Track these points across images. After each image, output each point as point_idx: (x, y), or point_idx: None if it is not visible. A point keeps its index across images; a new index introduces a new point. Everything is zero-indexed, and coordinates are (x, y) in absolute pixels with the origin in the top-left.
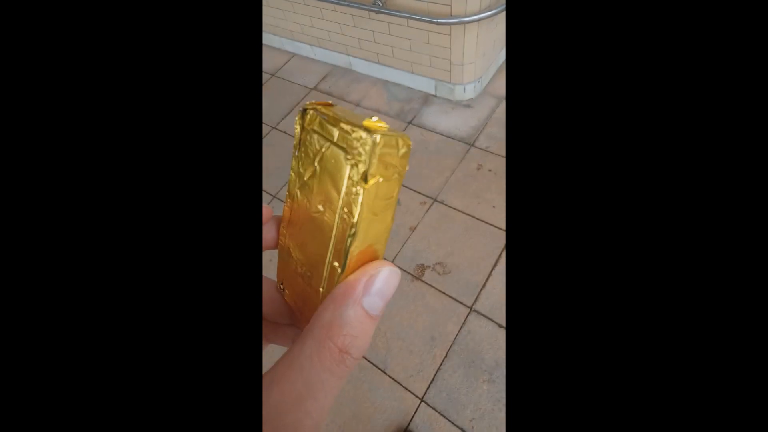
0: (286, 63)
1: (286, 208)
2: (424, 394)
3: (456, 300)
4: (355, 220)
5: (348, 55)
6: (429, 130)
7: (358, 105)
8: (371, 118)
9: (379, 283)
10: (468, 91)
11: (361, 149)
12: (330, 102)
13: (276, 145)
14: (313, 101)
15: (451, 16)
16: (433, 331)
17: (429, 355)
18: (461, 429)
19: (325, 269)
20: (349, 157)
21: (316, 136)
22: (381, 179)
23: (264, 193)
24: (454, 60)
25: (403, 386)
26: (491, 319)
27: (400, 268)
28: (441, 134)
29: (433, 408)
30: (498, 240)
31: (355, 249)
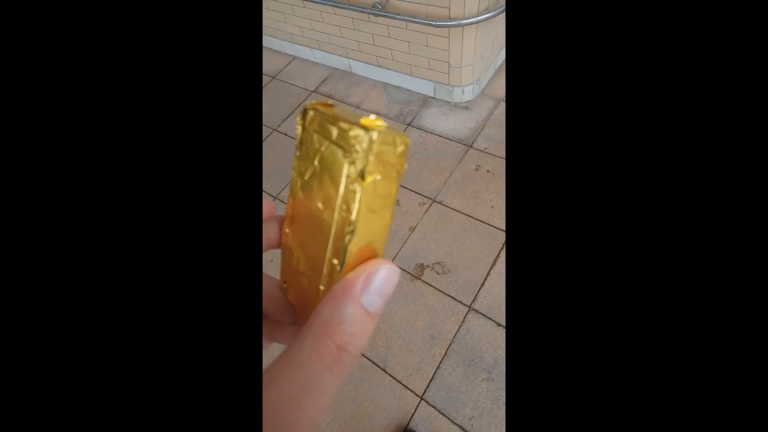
0: (286, 66)
1: (288, 207)
2: (424, 392)
3: (455, 299)
4: (353, 217)
5: (348, 57)
6: (428, 131)
7: (358, 107)
8: (369, 116)
9: (378, 281)
10: (466, 93)
11: (358, 147)
12: (330, 103)
13: (276, 147)
14: (314, 102)
15: (450, 19)
16: (433, 329)
17: (428, 354)
18: (461, 427)
19: (325, 267)
20: (346, 155)
21: (316, 136)
22: (379, 177)
23: (265, 194)
24: (452, 62)
25: (403, 384)
26: (490, 318)
27: (399, 267)
28: (440, 136)
29: (432, 406)
30: (496, 240)
31: (354, 246)
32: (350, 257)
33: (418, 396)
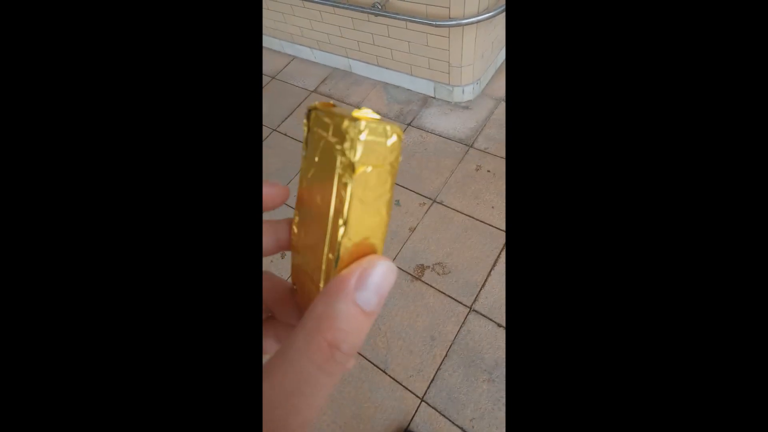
0: (286, 66)
1: (296, 208)
2: (425, 393)
3: (455, 300)
4: (345, 208)
5: (348, 57)
6: (428, 131)
7: (358, 107)
8: (363, 109)
9: (373, 278)
10: (466, 93)
11: (347, 137)
12: (332, 103)
13: (276, 147)
14: (318, 102)
15: (450, 19)
16: (433, 330)
17: (429, 355)
18: (461, 428)
19: (323, 263)
20: (338, 147)
21: (316, 134)
22: (370, 168)
23: None
24: (452, 62)
25: (403, 386)
26: (491, 319)
27: (399, 268)
28: (440, 136)
29: (433, 408)
30: (497, 240)
31: (348, 241)
32: (346, 253)
33: (419, 397)
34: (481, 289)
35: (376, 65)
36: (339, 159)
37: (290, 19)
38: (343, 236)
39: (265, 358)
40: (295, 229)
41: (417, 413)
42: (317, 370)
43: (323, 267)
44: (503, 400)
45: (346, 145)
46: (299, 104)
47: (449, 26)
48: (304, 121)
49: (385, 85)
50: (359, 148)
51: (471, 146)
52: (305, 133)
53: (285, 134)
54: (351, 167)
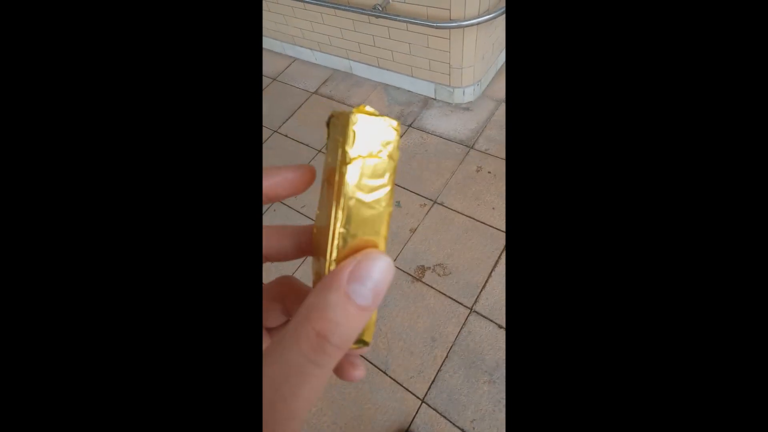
0: (287, 67)
1: (317, 209)
2: (425, 395)
3: (456, 301)
4: (341, 200)
5: (348, 59)
6: (429, 132)
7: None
8: (364, 106)
9: (367, 271)
10: (467, 94)
11: (346, 130)
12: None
13: (277, 148)
14: (336, 110)
15: (450, 20)
16: (434, 332)
17: (430, 356)
18: (462, 430)
19: (327, 258)
20: (340, 140)
21: (332, 137)
22: (366, 158)
23: None
24: (453, 63)
25: (404, 387)
26: (491, 320)
27: (400, 269)
28: (441, 137)
29: (434, 409)
30: (497, 241)
31: (346, 233)
32: (341, 246)
33: (420, 399)
34: (481, 290)
35: (376, 67)
36: (339, 151)
37: (291, 20)
38: (338, 227)
39: None
40: (314, 230)
41: (418, 414)
42: (304, 360)
43: (326, 263)
44: (504, 402)
45: (344, 137)
46: (300, 106)
47: (450, 28)
48: (325, 129)
49: (386, 87)
50: (352, 137)
51: (471, 147)
52: (326, 140)
53: (286, 136)
54: (346, 156)
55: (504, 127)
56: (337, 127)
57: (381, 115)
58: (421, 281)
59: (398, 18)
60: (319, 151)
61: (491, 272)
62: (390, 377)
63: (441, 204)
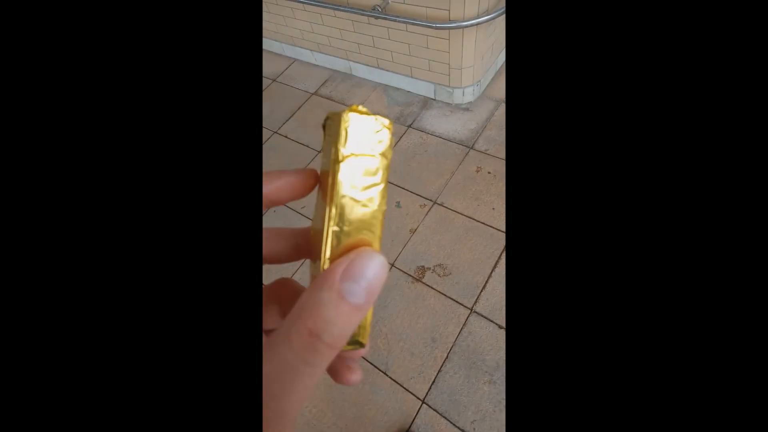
0: (287, 68)
1: (314, 213)
2: (426, 395)
3: (456, 301)
4: (334, 198)
5: (348, 60)
6: (428, 133)
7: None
8: (358, 106)
9: (360, 269)
10: (467, 95)
11: (338, 129)
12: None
13: (277, 149)
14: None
15: (450, 21)
16: (434, 332)
17: (430, 357)
18: (462, 430)
19: (321, 258)
20: (333, 139)
21: (326, 138)
22: (358, 156)
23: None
24: (452, 64)
25: (404, 388)
26: (492, 321)
27: (400, 270)
28: (440, 137)
29: (434, 409)
30: (497, 242)
31: (339, 231)
32: (337, 245)
33: (420, 399)
34: (481, 291)
35: (376, 67)
36: (333, 150)
37: (291, 21)
38: (331, 225)
39: None
40: (311, 232)
41: (418, 415)
42: (296, 359)
43: (321, 264)
44: (505, 402)
45: (338, 135)
46: (300, 106)
47: (449, 28)
48: (322, 132)
49: (386, 88)
50: (344, 136)
51: (471, 148)
52: (323, 142)
53: (286, 136)
54: (339, 154)
55: (504, 127)
56: (332, 128)
57: (374, 114)
58: (421, 282)
59: (398, 19)
60: (319, 152)
61: (491, 272)
62: (390, 378)
63: (441, 204)
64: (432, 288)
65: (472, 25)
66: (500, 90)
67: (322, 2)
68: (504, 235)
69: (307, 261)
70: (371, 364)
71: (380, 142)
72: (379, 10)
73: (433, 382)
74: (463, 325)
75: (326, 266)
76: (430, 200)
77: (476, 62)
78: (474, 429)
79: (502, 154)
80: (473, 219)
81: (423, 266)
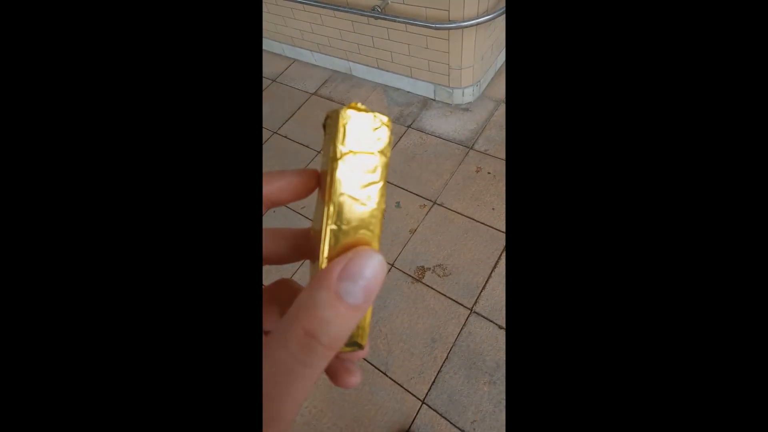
0: (286, 68)
1: (314, 213)
2: (426, 395)
3: (456, 302)
4: (332, 196)
5: (348, 60)
6: (428, 133)
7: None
8: (356, 103)
9: (358, 269)
10: (466, 95)
11: (336, 126)
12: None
13: (277, 150)
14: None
15: (449, 21)
16: (434, 332)
17: (430, 357)
18: (462, 431)
19: (320, 257)
20: (332, 136)
21: (326, 136)
22: (357, 153)
23: None
24: (452, 64)
25: (404, 388)
26: (491, 321)
27: (400, 270)
28: (440, 137)
29: (434, 410)
30: (497, 242)
31: (338, 230)
32: (335, 244)
33: (420, 400)
34: (481, 291)
35: (376, 68)
36: (331, 147)
37: (290, 22)
38: (330, 222)
39: None
40: (311, 233)
41: (418, 415)
42: (293, 360)
43: (319, 264)
44: (505, 402)
45: (336, 132)
46: (300, 107)
47: (449, 29)
48: (322, 131)
49: (385, 88)
50: (342, 133)
51: (471, 148)
52: (323, 141)
53: (285, 137)
54: (337, 151)
55: (503, 127)
56: (331, 126)
57: (372, 111)
58: (421, 282)
59: (397, 19)
60: (319, 152)
61: (491, 273)
62: (390, 378)
63: (441, 205)
64: (432, 288)
65: (471, 25)
66: (500, 90)
67: (321, 2)
68: (504, 235)
69: (307, 261)
70: (371, 364)
71: (379, 139)
72: (379, 10)
73: (433, 382)
74: (463, 325)
75: (324, 265)
76: (430, 200)
77: (476, 62)
78: (474, 429)
79: (502, 154)
80: (473, 219)
81: (423, 266)
